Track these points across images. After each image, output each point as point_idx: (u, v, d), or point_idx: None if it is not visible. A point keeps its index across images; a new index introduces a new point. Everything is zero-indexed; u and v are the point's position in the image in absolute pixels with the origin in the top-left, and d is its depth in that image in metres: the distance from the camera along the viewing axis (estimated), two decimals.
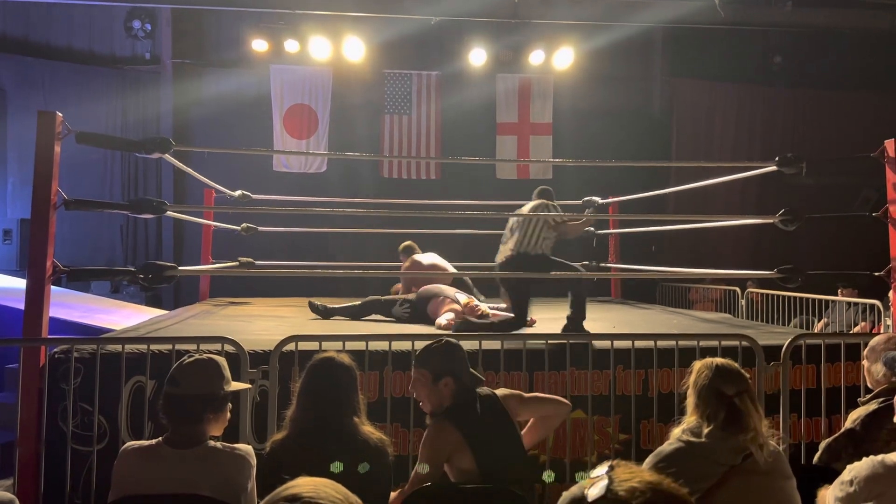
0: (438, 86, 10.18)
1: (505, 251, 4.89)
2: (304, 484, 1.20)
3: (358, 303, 5.93)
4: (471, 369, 2.84)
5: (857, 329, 6.45)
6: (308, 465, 1.68)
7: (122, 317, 6.67)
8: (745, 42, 10.72)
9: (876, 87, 10.84)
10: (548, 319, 4.71)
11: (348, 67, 9.86)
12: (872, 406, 2.81)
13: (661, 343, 3.82)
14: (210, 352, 2.78)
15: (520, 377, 3.72)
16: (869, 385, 3.05)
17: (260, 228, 7.76)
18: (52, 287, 3.87)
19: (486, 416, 2.72)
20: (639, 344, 3.81)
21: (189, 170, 6.19)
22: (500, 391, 2.88)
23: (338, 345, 3.42)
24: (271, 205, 7.74)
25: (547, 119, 10.37)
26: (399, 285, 6.54)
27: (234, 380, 2.53)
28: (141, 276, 4.14)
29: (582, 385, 3.77)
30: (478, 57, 9.88)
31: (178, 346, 3.50)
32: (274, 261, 7.80)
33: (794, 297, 6.65)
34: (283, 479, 1.24)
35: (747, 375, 2.48)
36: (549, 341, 3.88)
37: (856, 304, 6.54)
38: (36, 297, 3.71)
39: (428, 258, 6.49)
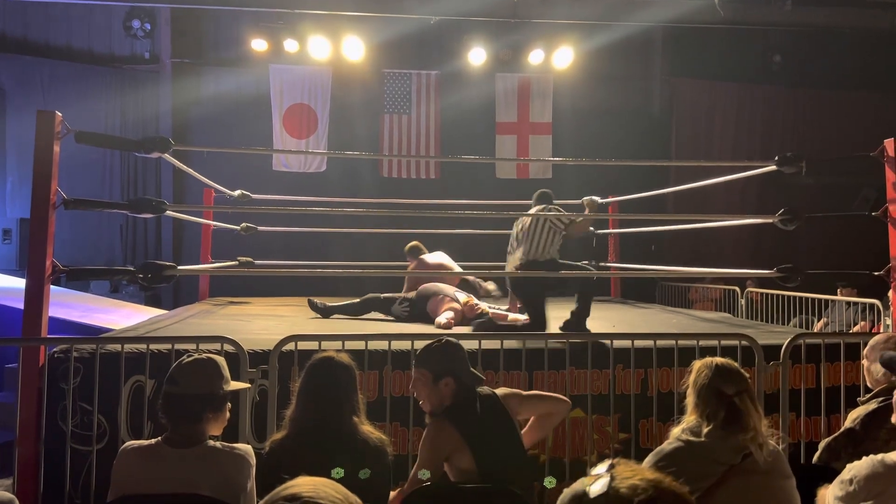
0: (438, 85, 10.18)
1: (514, 261, 4.90)
2: (303, 483, 1.20)
3: (357, 301, 5.92)
4: (471, 369, 2.84)
5: (856, 328, 6.46)
6: (307, 465, 1.68)
7: (122, 316, 6.67)
8: (745, 41, 10.73)
9: (876, 86, 10.85)
10: (553, 319, 4.71)
11: (348, 67, 9.86)
12: (872, 405, 2.81)
13: (661, 342, 3.82)
14: (209, 351, 2.78)
15: (519, 376, 3.71)
16: (868, 384, 3.05)
17: (259, 228, 7.76)
18: (52, 287, 3.87)
19: (486, 415, 2.72)
20: (638, 343, 3.81)
21: (188, 169, 6.19)
22: (500, 390, 2.88)
23: (337, 344, 3.42)
24: (271, 204, 7.74)
25: (546, 118, 10.37)
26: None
27: (233, 379, 2.53)
28: (140, 275, 4.14)
29: (581, 384, 3.77)
30: (477, 56, 9.88)
31: (177, 346, 3.50)
32: (273, 260, 7.80)
33: (794, 297, 6.65)
34: (283, 479, 1.24)
35: (747, 375, 2.48)
36: (549, 341, 3.88)
37: (855, 303, 6.54)
38: (35, 296, 3.71)
39: (435, 257, 6.47)
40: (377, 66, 10.07)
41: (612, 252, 8.48)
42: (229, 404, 2.46)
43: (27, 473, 3.45)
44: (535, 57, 9.98)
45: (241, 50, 9.95)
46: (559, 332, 4.46)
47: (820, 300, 6.55)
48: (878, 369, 2.90)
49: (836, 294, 6.94)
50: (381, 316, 5.84)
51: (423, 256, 6.49)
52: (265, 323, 5.52)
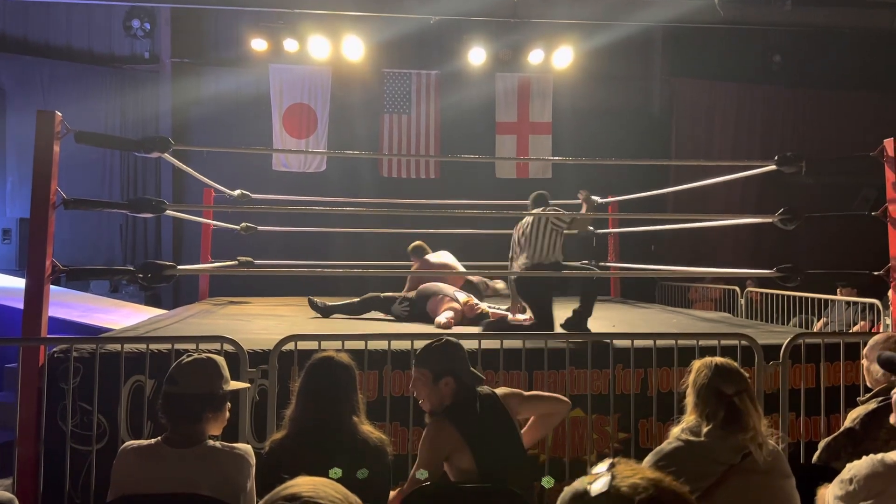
0: (438, 85, 10.18)
1: (518, 267, 4.89)
2: (303, 483, 1.20)
3: (357, 300, 5.93)
4: (471, 368, 2.84)
5: (856, 328, 6.46)
6: (307, 465, 1.68)
7: (122, 316, 6.67)
8: (745, 41, 10.73)
9: (876, 86, 10.85)
10: (557, 319, 4.71)
11: (347, 67, 9.86)
12: (872, 405, 2.81)
13: (661, 342, 3.82)
14: (209, 351, 2.78)
15: (519, 376, 3.71)
16: (868, 384, 3.05)
17: (259, 228, 7.76)
18: (52, 286, 3.87)
19: (486, 415, 2.72)
20: (638, 343, 3.81)
21: (188, 169, 6.19)
22: (500, 390, 2.88)
23: (337, 344, 3.42)
24: (271, 204, 7.74)
25: (546, 118, 10.37)
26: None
27: (233, 379, 2.53)
28: (140, 275, 4.14)
29: (581, 384, 3.77)
30: (477, 56, 9.87)
31: (177, 346, 3.50)
32: (273, 260, 7.80)
33: (794, 297, 6.65)
34: (283, 479, 1.24)
35: (746, 375, 2.48)
36: (549, 340, 3.88)
37: (855, 303, 6.54)
38: (35, 296, 3.71)
39: (439, 257, 6.45)
40: (377, 65, 10.07)
41: (611, 252, 8.48)
42: (229, 404, 2.46)
43: (27, 473, 3.45)
44: (534, 57, 9.98)
45: (241, 50, 9.95)
46: (560, 332, 4.46)
47: (820, 300, 6.55)
48: (878, 369, 2.90)
49: (835, 294, 6.95)
50: (381, 315, 5.84)
51: (427, 256, 6.47)
52: (265, 323, 5.52)
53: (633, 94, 10.96)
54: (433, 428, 2.69)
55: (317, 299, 6.03)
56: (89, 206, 4.51)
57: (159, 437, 2.35)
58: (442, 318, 5.19)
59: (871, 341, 3.06)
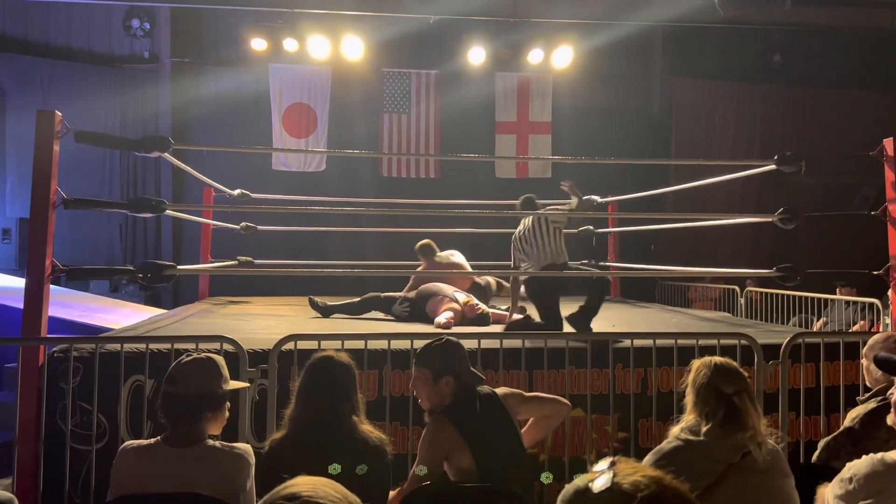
0: (437, 84, 10.18)
1: (538, 264, 4.83)
2: (302, 483, 1.20)
3: (357, 300, 5.93)
4: (471, 368, 2.84)
5: (855, 328, 6.46)
6: (307, 464, 1.68)
7: (121, 316, 6.67)
8: (745, 41, 10.72)
9: (876, 86, 10.85)
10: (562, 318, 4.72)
11: (347, 66, 9.86)
12: (871, 404, 2.81)
13: (660, 342, 3.83)
14: (209, 351, 2.78)
15: (519, 376, 3.72)
16: (868, 383, 3.05)
17: (259, 227, 7.76)
18: (51, 286, 3.87)
19: (486, 414, 2.72)
20: (638, 343, 3.82)
21: (188, 168, 6.19)
22: (500, 390, 2.88)
23: (337, 344, 3.42)
24: (270, 204, 7.73)
25: (546, 118, 10.37)
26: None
27: (233, 379, 2.53)
28: (140, 275, 4.14)
29: (581, 384, 3.78)
30: (477, 56, 9.87)
31: (176, 346, 3.50)
32: (273, 259, 7.80)
33: (793, 296, 6.65)
34: (282, 478, 1.24)
35: (746, 374, 2.48)
36: (549, 340, 3.88)
37: (854, 302, 6.54)
38: (35, 296, 3.71)
39: (449, 257, 6.39)
40: (376, 65, 10.06)
41: (611, 251, 8.49)
42: (228, 404, 2.46)
43: (27, 473, 3.45)
44: (534, 56, 9.97)
45: (241, 49, 9.94)
46: (559, 332, 4.46)
47: (819, 299, 6.55)
48: (877, 368, 2.90)
49: (835, 293, 6.95)
50: (382, 315, 5.84)
51: (437, 255, 6.43)
52: (265, 322, 5.52)
53: (633, 93, 10.95)
54: (433, 427, 2.69)
55: (317, 299, 6.03)
56: (89, 206, 4.52)
57: (159, 437, 2.35)
58: (442, 318, 5.19)
59: (871, 341, 3.06)
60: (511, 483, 2.50)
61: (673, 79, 10.88)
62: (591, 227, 7.94)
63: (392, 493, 2.59)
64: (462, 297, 5.59)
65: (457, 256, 6.45)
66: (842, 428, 2.88)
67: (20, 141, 9.10)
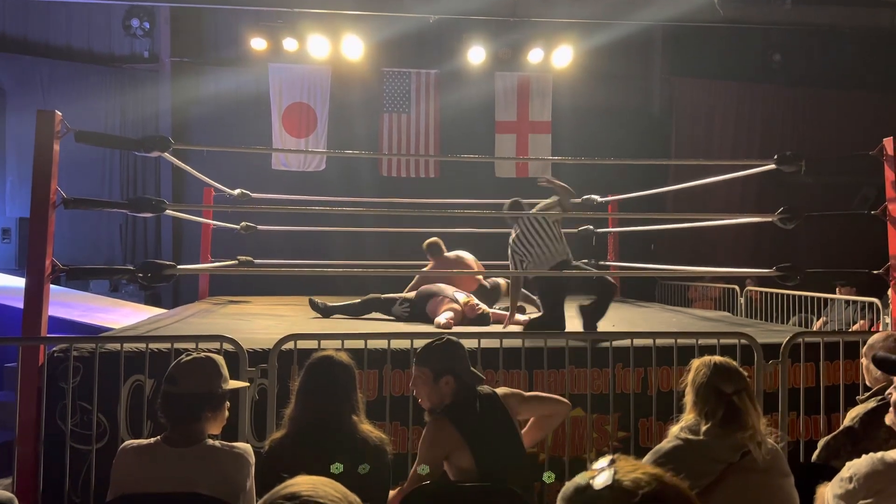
0: (437, 84, 10.18)
1: (546, 263, 4.77)
2: (302, 482, 1.20)
3: (358, 301, 5.92)
4: (471, 368, 2.84)
5: (855, 327, 6.46)
6: (307, 464, 1.68)
7: (121, 315, 6.67)
8: (745, 40, 10.72)
9: (876, 85, 10.85)
10: (567, 318, 4.72)
11: (347, 66, 9.86)
12: (871, 404, 2.81)
13: (660, 341, 3.83)
14: (209, 350, 2.78)
15: (519, 375, 3.72)
16: (868, 383, 3.05)
17: (259, 227, 7.76)
18: (51, 286, 3.87)
19: (486, 414, 2.72)
20: (638, 342, 3.81)
21: (188, 168, 6.19)
22: (500, 390, 2.88)
23: (337, 343, 3.42)
24: (270, 203, 7.73)
25: (546, 117, 10.37)
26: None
27: (233, 378, 2.53)
28: (140, 274, 4.14)
29: (581, 383, 3.78)
30: (476, 55, 9.87)
31: (176, 345, 3.50)
32: (273, 259, 7.80)
33: (793, 296, 6.65)
34: (282, 478, 1.24)
35: (745, 374, 2.48)
36: (549, 340, 3.88)
37: (854, 302, 6.55)
38: (35, 295, 3.71)
39: (458, 257, 6.37)
40: (376, 64, 10.06)
41: (611, 251, 8.49)
42: (228, 403, 2.46)
43: (27, 472, 3.45)
44: (534, 56, 9.97)
45: (241, 49, 9.94)
46: (559, 331, 4.46)
47: (819, 299, 6.55)
48: (877, 368, 2.90)
49: (835, 293, 6.95)
50: (382, 316, 5.84)
51: (445, 255, 6.39)
52: (265, 322, 5.52)
53: (633, 93, 10.95)
54: (433, 427, 2.69)
55: (318, 300, 6.03)
56: (89, 206, 4.52)
57: (159, 437, 2.35)
58: (442, 318, 5.18)
59: (870, 340, 3.06)
60: (511, 483, 2.50)
61: (673, 78, 10.88)
62: (591, 227, 7.95)
63: (392, 493, 2.59)
64: (462, 297, 5.58)
65: (465, 256, 6.41)
66: (841, 427, 2.88)
67: (20, 141, 9.11)
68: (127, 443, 2.40)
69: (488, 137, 10.22)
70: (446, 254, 6.37)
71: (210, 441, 2.33)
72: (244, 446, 2.38)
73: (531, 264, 4.84)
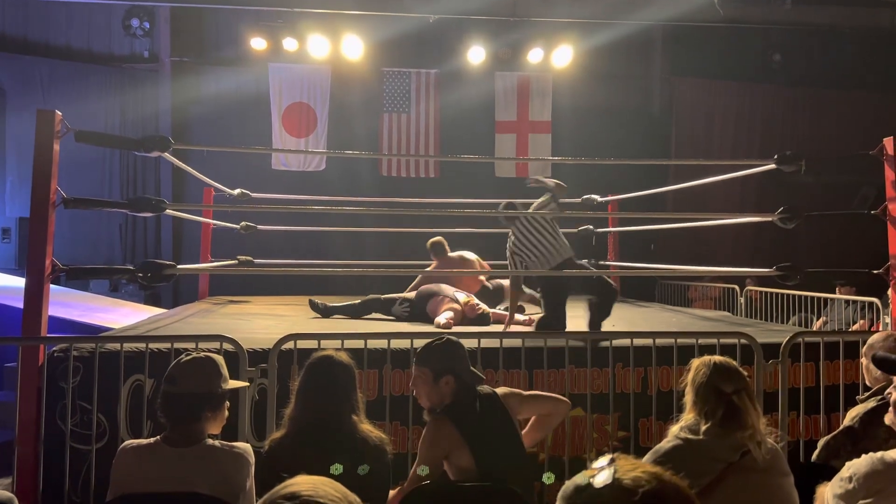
0: (437, 84, 10.17)
1: (549, 262, 4.76)
2: (302, 482, 1.20)
3: (358, 301, 5.92)
4: (471, 367, 2.84)
5: (855, 327, 6.46)
6: (307, 464, 1.68)
7: (121, 315, 6.67)
8: (745, 40, 10.72)
9: (876, 85, 10.85)
10: (571, 318, 4.71)
11: (347, 66, 9.86)
12: (871, 403, 2.81)
13: (660, 341, 3.83)
14: (208, 350, 2.78)
15: (519, 375, 3.72)
16: (867, 383, 3.05)
17: (259, 227, 7.76)
18: (51, 286, 3.87)
19: (486, 414, 2.72)
20: (638, 342, 3.82)
21: (188, 168, 6.18)
22: (500, 390, 2.88)
23: (336, 343, 3.42)
24: (270, 203, 7.73)
25: (546, 117, 10.37)
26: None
27: (233, 378, 2.53)
28: (140, 274, 4.14)
29: (581, 383, 3.78)
30: (476, 55, 9.87)
31: (176, 345, 3.50)
32: (273, 259, 7.80)
33: (793, 295, 6.65)
34: (282, 478, 1.24)
35: (745, 373, 2.48)
36: (549, 340, 3.88)
37: (854, 301, 6.55)
38: (35, 295, 3.71)
39: (462, 257, 6.35)
40: (376, 64, 10.06)
41: (611, 250, 8.48)
42: (228, 403, 2.46)
43: (27, 472, 3.45)
44: (534, 55, 9.98)
45: (241, 49, 9.94)
46: (559, 331, 4.46)
47: (819, 298, 6.55)
48: (876, 367, 2.90)
49: (834, 292, 6.95)
50: (382, 316, 5.84)
51: (449, 255, 6.37)
52: (265, 322, 5.52)
53: (633, 93, 10.95)
54: (433, 426, 2.70)
55: (318, 300, 6.03)
56: (89, 206, 4.52)
57: (158, 437, 2.35)
58: (442, 318, 5.18)
59: (870, 340, 3.06)
60: (511, 482, 2.50)
61: (673, 78, 10.88)
62: (591, 227, 7.95)
63: (392, 493, 2.59)
64: (462, 296, 5.58)
65: (469, 257, 6.39)
66: (841, 427, 2.88)
67: (20, 140, 9.11)
68: (127, 443, 2.40)
69: (488, 137, 10.22)
70: (450, 254, 6.36)
71: (210, 441, 2.33)
72: (244, 446, 2.38)
73: (534, 265, 4.82)
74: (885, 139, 4.41)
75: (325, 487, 1.19)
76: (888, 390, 2.28)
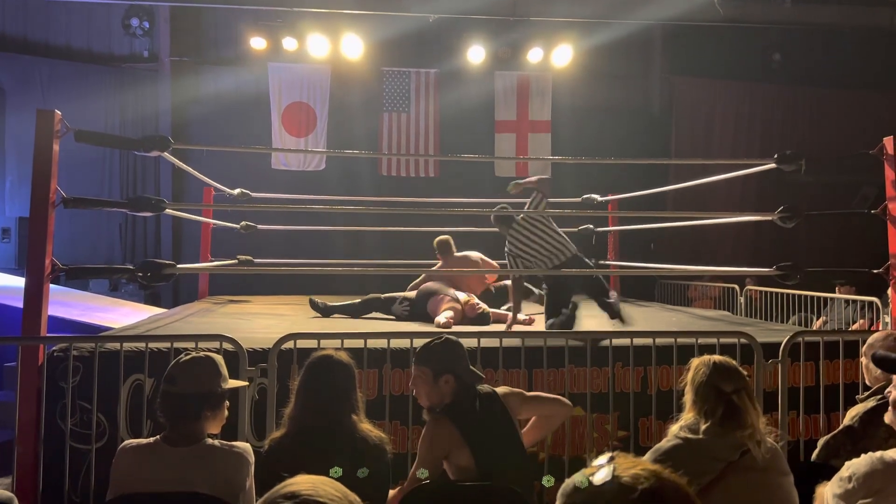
0: (437, 83, 10.17)
1: (554, 260, 4.76)
2: (302, 481, 1.20)
3: (358, 300, 5.92)
4: (471, 367, 2.84)
5: (855, 326, 6.46)
6: (307, 463, 1.68)
7: (121, 315, 6.67)
8: (745, 39, 10.72)
9: (876, 84, 10.85)
10: (586, 317, 4.71)
11: (346, 65, 9.85)
12: (871, 403, 2.81)
13: (660, 340, 3.82)
14: (208, 350, 2.78)
15: (519, 374, 3.72)
16: (867, 382, 3.05)
17: (259, 226, 7.76)
18: (51, 285, 3.87)
19: (485, 413, 2.72)
20: (637, 341, 3.81)
21: (188, 168, 6.18)
22: (500, 389, 2.88)
23: (336, 342, 3.42)
24: (270, 203, 7.72)
25: (545, 117, 10.37)
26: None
27: (233, 378, 2.53)
28: (140, 274, 4.14)
29: (581, 382, 3.78)
30: (476, 54, 9.87)
31: (176, 345, 3.50)
32: (273, 259, 7.80)
33: (793, 295, 6.65)
34: (282, 477, 1.24)
35: (745, 373, 2.49)
36: (548, 339, 3.88)
37: (854, 301, 6.55)
38: (35, 295, 3.71)
39: (468, 258, 6.34)
40: (376, 64, 10.06)
41: (611, 250, 8.48)
42: (227, 402, 2.46)
43: (26, 472, 3.45)
44: (534, 55, 9.98)
45: (240, 48, 9.94)
46: (559, 331, 4.46)
47: (819, 298, 6.55)
48: (876, 367, 2.90)
49: (834, 292, 6.95)
50: (382, 315, 5.84)
51: (455, 255, 6.35)
52: (265, 321, 5.52)
53: (633, 92, 10.95)
54: (432, 426, 2.70)
55: (318, 300, 6.03)
56: (89, 205, 4.52)
57: (158, 436, 2.35)
58: (442, 317, 5.18)
59: (870, 339, 3.06)
60: (511, 482, 2.50)
61: (673, 77, 10.88)
62: (592, 226, 7.95)
63: (392, 492, 2.59)
64: (463, 296, 5.58)
65: (474, 257, 6.37)
66: (841, 426, 2.88)
67: (20, 140, 9.11)
68: (126, 442, 2.40)
69: (488, 137, 10.22)
70: (456, 254, 6.35)
71: (209, 440, 2.33)
72: (244, 446, 2.38)
73: (536, 266, 4.81)
74: (885, 138, 4.41)
75: (325, 487, 1.19)
76: (888, 389, 2.28)
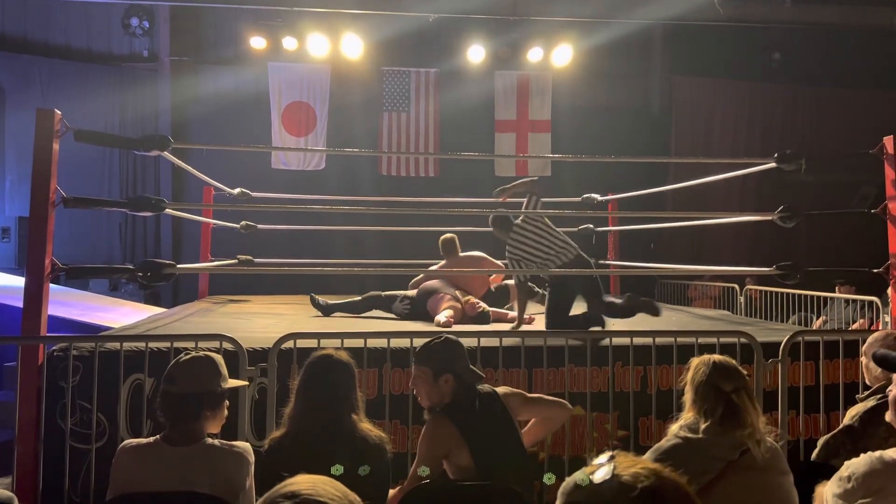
0: (437, 83, 10.17)
1: (556, 261, 4.73)
2: (302, 481, 1.20)
3: (359, 299, 5.93)
4: (470, 366, 2.84)
5: (855, 326, 6.46)
6: (307, 463, 1.68)
7: (121, 315, 6.67)
8: (745, 39, 10.72)
9: (876, 84, 10.85)
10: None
11: (346, 65, 9.85)
12: (871, 402, 2.81)
13: (660, 340, 3.82)
14: (208, 349, 2.78)
15: (519, 374, 3.72)
16: (867, 381, 3.05)
17: (259, 226, 7.76)
18: (51, 285, 3.87)
19: (485, 413, 2.72)
20: (637, 341, 3.81)
21: (188, 167, 6.18)
22: (501, 389, 2.88)
23: (336, 342, 3.42)
24: (270, 202, 7.72)
25: (545, 116, 10.37)
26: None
27: (233, 377, 2.53)
28: (139, 273, 4.13)
29: (581, 382, 3.78)
30: (476, 54, 9.87)
31: (176, 344, 3.50)
32: (273, 258, 7.80)
33: (793, 295, 6.65)
34: (282, 477, 1.24)
35: (745, 372, 2.49)
36: (548, 339, 3.88)
37: (854, 300, 6.55)
38: (34, 295, 3.71)
39: (473, 258, 6.32)
40: (376, 63, 10.06)
41: (611, 250, 8.49)
42: (227, 402, 2.46)
43: (26, 472, 3.45)
44: (534, 54, 9.98)
45: (240, 48, 9.94)
46: (559, 330, 4.45)
47: (819, 298, 6.56)
48: (876, 366, 2.90)
49: (834, 291, 6.95)
50: (382, 314, 5.84)
51: (459, 254, 6.34)
52: (265, 321, 5.52)
53: (633, 91, 10.95)
54: (432, 425, 2.70)
55: (319, 297, 6.02)
56: (89, 205, 4.52)
57: (158, 436, 2.35)
58: (442, 316, 5.18)
59: (870, 339, 3.06)
60: (510, 481, 2.50)
61: (673, 77, 10.88)
62: (591, 226, 7.95)
63: (392, 492, 2.59)
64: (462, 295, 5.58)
65: (478, 256, 6.35)
66: (841, 426, 2.88)
67: (19, 140, 9.11)
68: (126, 442, 2.41)
69: (488, 136, 10.22)
70: (461, 253, 6.34)
71: (209, 440, 2.33)
72: (244, 445, 2.38)
73: (538, 268, 4.80)
74: (885, 138, 4.42)
75: (325, 486, 1.19)
76: (888, 388, 2.28)
